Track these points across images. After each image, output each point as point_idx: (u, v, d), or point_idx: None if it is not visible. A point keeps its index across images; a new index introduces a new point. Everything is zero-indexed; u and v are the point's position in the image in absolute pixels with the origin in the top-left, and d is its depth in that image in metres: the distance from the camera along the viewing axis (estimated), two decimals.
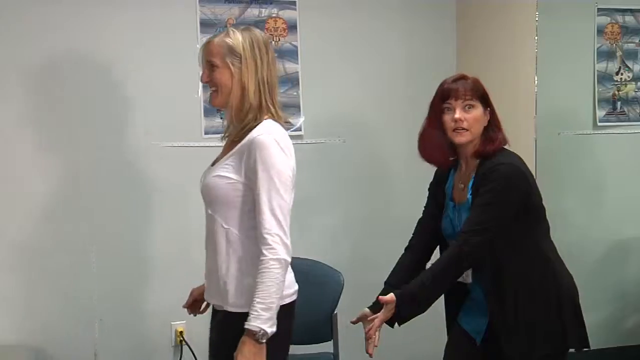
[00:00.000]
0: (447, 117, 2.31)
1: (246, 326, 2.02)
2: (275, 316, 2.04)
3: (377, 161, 3.83)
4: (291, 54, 3.64)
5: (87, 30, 3.33)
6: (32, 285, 3.31)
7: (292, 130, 3.62)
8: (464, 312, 2.48)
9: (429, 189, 2.58)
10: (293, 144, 3.62)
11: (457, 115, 2.28)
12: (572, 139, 3.53)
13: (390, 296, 2.22)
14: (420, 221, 2.60)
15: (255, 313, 2.01)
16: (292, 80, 3.64)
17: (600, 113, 3.47)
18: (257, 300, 2.02)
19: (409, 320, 2.31)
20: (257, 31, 2.26)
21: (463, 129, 2.29)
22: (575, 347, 2.41)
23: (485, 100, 2.34)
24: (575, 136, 3.53)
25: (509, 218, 2.26)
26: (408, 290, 2.26)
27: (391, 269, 2.61)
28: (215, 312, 2.29)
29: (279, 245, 2.05)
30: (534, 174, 3.14)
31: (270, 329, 2.03)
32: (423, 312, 2.31)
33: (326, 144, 3.75)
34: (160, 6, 3.37)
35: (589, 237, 3.55)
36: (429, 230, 2.51)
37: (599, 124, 3.48)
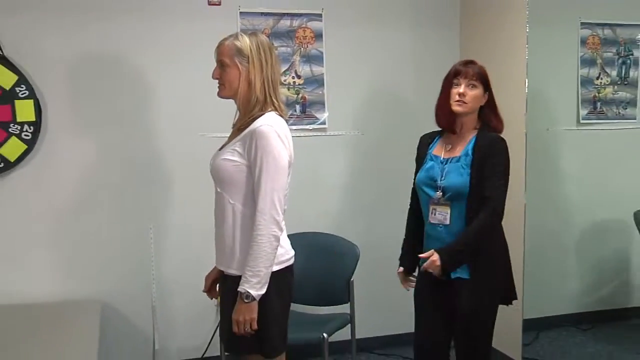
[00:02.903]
0: (453, 91, 2.50)
1: (238, 289, 2.13)
2: (263, 280, 2.12)
3: (390, 151, 3.87)
4: (317, 59, 3.71)
5: (144, 39, 3.45)
6: (103, 253, 3.48)
7: (317, 124, 3.72)
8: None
9: (416, 159, 2.70)
10: (318, 136, 3.74)
11: (462, 90, 2.47)
12: (558, 134, 3.56)
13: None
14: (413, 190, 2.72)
15: (244, 278, 2.12)
16: (318, 81, 3.72)
17: (583, 112, 3.50)
18: (247, 268, 2.12)
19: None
20: (262, 36, 2.29)
21: (463, 101, 2.48)
22: (511, 301, 2.60)
23: (485, 84, 2.53)
24: (561, 132, 3.57)
25: None
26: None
27: (399, 244, 2.75)
28: (224, 277, 2.33)
29: (268, 223, 2.11)
30: (524, 164, 3.33)
31: (258, 292, 2.12)
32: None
33: (347, 135, 3.80)
34: (207, 18, 3.48)
35: (572, 219, 3.62)
36: None
37: (582, 121, 3.52)
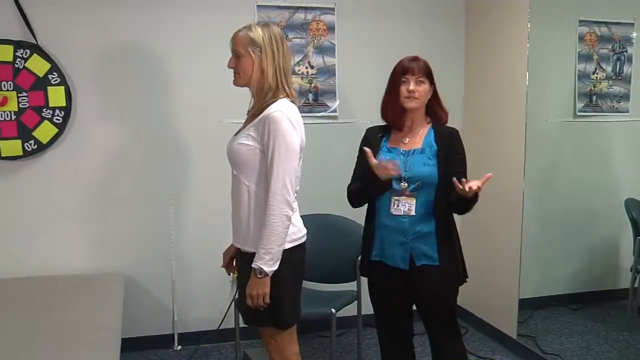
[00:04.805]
0: (402, 88, 2.46)
1: (252, 265, 2.17)
2: (275, 257, 2.16)
3: None
4: (330, 50, 3.77)
5: (166, 30, 3.51)
6: (126, 229, 3.57)
7: (328, 112, 3.78)
8: (379, 252, 2.55)
9: (361, 147, 2.59)
10: (329, 123, 3.78)
11: (412, 87, 2.44)
12: (556, 125, 3.59)
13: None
14: (356, 174, 2.62)
15: (258, 255, 2.16)
16: (330, 71, 3.78)
17: (580, 104, 3.51)
18: (260, 245, 2.16)
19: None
20: (274, 27, 2.30)
21: (415, 97, 2.44)
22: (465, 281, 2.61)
23: (431, 78, 2.49)
24: (559, 123, 3.59)
25: None
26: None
27: None
28: (241, 254, 2.36)
29: (280, 203, 2.15)
30: (523, 152, 3.38)
31: (270, 268, 2.16)
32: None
33: (356, 123, 3.83)
34: (225, 11, 3.53)
35: (566, 206, 3.64)
36: None
37: (578, 113, 3.53)
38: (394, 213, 2.47)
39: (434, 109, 2.55)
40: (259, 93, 2.27)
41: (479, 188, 2.26)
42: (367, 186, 2.51)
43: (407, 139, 2.52)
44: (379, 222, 2.54)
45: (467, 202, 2.34)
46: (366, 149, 2.43)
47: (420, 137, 2.51)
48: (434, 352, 2.66)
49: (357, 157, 2.65)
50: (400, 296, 2.60)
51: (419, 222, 2.45)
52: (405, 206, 2.45)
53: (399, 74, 2.48)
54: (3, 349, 2.37)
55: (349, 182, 2.66)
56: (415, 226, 2.46)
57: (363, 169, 2.54)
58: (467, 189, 2.24)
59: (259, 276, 2.17)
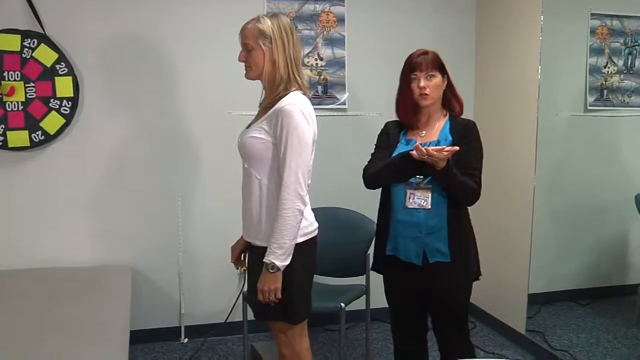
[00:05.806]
0: (414, 85, 2.43)
1: (264, 259, 2.17)
2: (287, 252, 2.15)
3: None
4: (339, 42, 3.75)
5: (174, 22, 3.49)
6: (134, 223, 3.57)
7: (337, 104, 3.76)
8: (393, 246, 2.52)
9: (381, 137, 2.62)
10: (338, 116, 3.78)
11: (422, 83, 2.41)
12: (567, 119, 3.58)
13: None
14: (378, 157, 2.57)
15: (270, 250, 2.15)
16: (339, 63, 3.77)
17: (590, 99, 3.49)
18: (272, 240, 2.15)
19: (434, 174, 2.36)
20: (283, 17, 2.28)
21: (426, 94, 2.42)
22: (478, 278, 2.57)
23: (442, 69, 2.46)
24: (569, 117, 3.58)
25: None
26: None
27: None
28: (251, 248, 2.35)
29: (292, 197, 2.14)
30: (534, 147, 3.37)
31: (282, 262, 2.15)
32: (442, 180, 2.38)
33: (365, 116, 3.83)
34: (234, 2, 3.50)
35: (576, 201, 3.63)
36: None
37: (589, 107, 3.50)
38: (409, 206, 2.43)
39: (450, 100, 2.52)
40: (271, 85, 2.26)
41: (437, 151, 2.23)
42: (401, 165, 2.43)
43: (424, 132, 2.51)
44: (393, 216, 2.50)
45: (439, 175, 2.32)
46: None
47: (437, 130, 2.49)
48: (441, 350, 2.63)
49: (377, 142, 2.63)
50: (414, 293, 2.56)
51: (434, 216, 2.42)
52: (421, 199, 2.42)
53: (408, 71, 2.46)
54: (11, 341, 2.36)
55: (366, 164, 2.60)
56: (430, 220, 2.42)
57: (387, 149, 2.52)
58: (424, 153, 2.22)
59: (271, 271, 2.15)
